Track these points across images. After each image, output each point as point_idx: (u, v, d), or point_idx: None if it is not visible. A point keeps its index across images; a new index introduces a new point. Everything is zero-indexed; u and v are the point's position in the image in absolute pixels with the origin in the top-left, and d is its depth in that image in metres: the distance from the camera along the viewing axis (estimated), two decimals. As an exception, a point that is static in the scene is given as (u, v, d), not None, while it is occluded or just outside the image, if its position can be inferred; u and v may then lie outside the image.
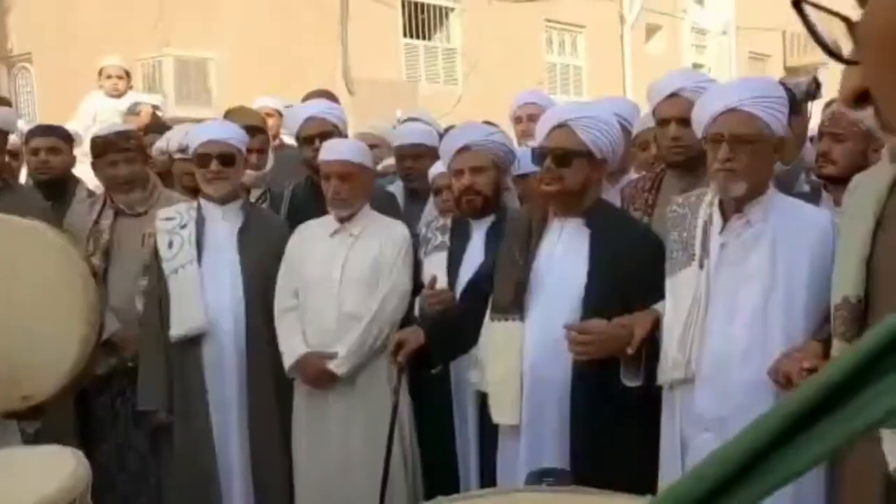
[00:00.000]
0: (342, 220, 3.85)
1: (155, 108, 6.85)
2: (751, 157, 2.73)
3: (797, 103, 3.74)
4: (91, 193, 4.79)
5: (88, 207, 4.32)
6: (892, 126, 0.57)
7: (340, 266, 3.80)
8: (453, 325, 3.36)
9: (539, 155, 3.07)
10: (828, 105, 3.58)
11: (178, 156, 4.62)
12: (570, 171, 3.02)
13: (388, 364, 3.62)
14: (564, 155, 3.02)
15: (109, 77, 7.14)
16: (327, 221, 3.90)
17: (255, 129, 4.88)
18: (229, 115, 5.01)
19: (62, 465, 2.24)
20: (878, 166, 2.69)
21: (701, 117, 2.84)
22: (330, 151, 3.88)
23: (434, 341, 3.29)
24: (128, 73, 7.24)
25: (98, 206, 4.28)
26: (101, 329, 3.67)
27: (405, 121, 5.50)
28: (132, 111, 6.62)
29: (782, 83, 3.91)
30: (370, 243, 3.82)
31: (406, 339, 3.28)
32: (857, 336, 2.46)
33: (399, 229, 3.89)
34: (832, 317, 2.53)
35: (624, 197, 3.62)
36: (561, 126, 3.05)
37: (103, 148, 4.24)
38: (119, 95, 7.07)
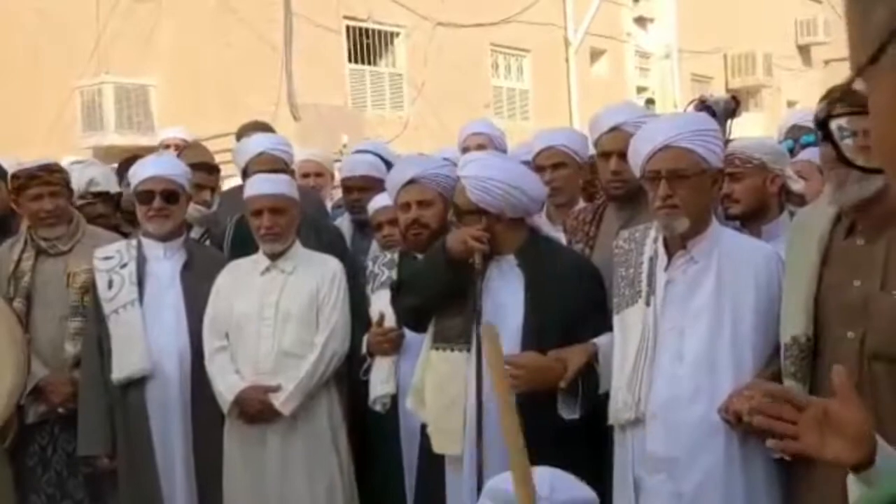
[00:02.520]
0: (273, 258, 3.78)
1: None
2: (690, 191, 2.72)
3: (714, 117, 3.82)
4: None
5: (8, 248, 4.07)
6: None
7: (274, 304, 3.73)
8: None
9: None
10: None
11: (79, 202, 4.38)
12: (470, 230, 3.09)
13: (326, 400, 3.65)
14: (461, 213, 3.14)
15: None
16: (257, 259, 3.82)
17: (211, 167, 4.78)
18: (183, 152, 4.90)
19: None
20: (818, 203, 2.71)
21: (637, 156, 2.84)
22: (259, 185, 3.81)
23: None
24: None
25: (19, 246, 4.04)
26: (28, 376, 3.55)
27: (355, 151, 5.44)
28: None
29: (702, 100, 3.97)
30: (304, 279, 3.76)
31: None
32: (808, 375, 2.47)
33: (332, 264, 3.82)
34: (782, 356, 2.53)
35: (566, 229, 3.61)
36: (461, 182, 3.16)
37: (26, 181, 4.00)
38: None
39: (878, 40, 0.56)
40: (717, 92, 14.59)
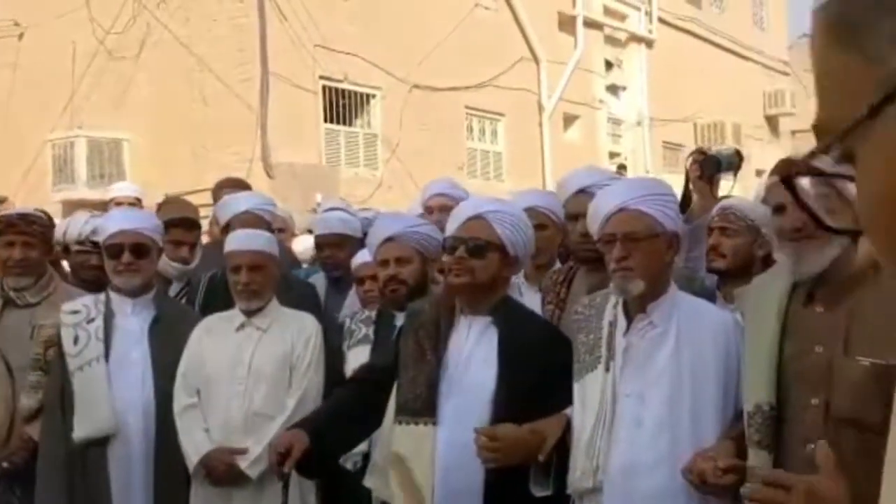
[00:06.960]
0: (249, 314, 3.73)
1: None
2: (644, 254, 2.70)
3: (719, 169, 3.84)
4: None
5: None
6: None
7: (248, 362, 3.67)
8: (337, 421, 3.13)
9: (450, 245, 2.97)
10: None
11: (76, 247, 4.37)
12: (481, 264, 2.91)
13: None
14: (478, 246, 2.92)
15: None
16: (232, 315, 3.77)
17: (191, 222, 4.69)
18: (163, 206, 4.83)
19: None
20: (774, 270, 2.70)
21: (594, 220, 2.82)
22: (240, 241, 3.78)
23: (319, 442, 3.01)
24: None
25: None
26: (12, 430, 3.44)
27: (326, 210, 5.40)
28: None
29: (702, 151, 3.97)
30: (279, 337, 3.70)
31: (289, 446, 2.95)
32: (772, 443, 2.43)
33: (309, 322, 3.78)
34: (746, 424, 2.49)
35: (542, 289, 3.58)
36: (476, 218, 2.97)
37: (4, 227, 4.01)
38: None
39: (885, 91, 0.52)
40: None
